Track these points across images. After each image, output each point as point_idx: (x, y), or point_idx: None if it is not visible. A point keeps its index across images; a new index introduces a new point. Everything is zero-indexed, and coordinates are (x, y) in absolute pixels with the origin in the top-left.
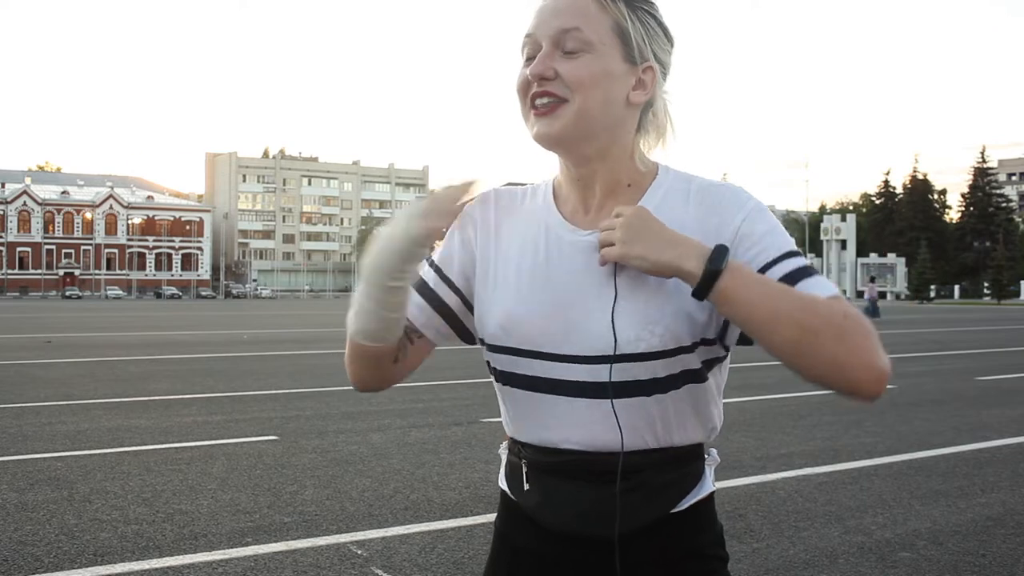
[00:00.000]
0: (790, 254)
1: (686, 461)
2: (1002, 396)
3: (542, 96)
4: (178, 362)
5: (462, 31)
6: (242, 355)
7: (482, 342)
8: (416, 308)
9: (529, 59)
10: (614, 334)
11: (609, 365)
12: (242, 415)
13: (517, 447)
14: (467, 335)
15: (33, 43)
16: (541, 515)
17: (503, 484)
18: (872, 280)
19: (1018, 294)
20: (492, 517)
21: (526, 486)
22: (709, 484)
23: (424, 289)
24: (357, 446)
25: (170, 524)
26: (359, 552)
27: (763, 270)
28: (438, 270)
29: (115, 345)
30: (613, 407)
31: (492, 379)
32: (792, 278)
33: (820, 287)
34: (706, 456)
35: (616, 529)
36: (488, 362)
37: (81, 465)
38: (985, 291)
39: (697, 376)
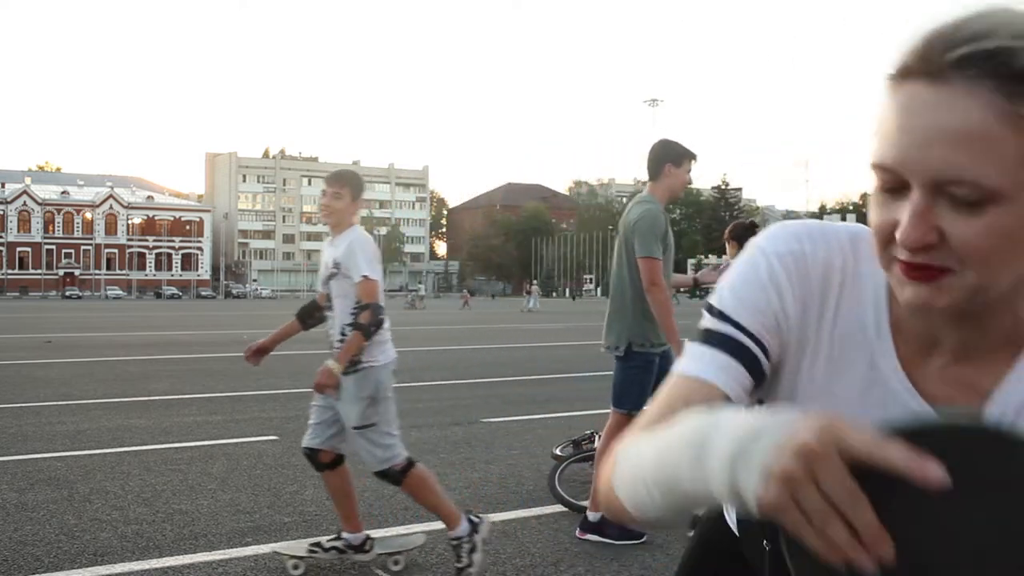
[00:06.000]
0: None
1: None
2: None
3: (916, 268)
4: (178, 362)
5: (462, 31)
6: (242, 355)
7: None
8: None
9: (888, 191)
10: None
11: None
12: (242, 415)
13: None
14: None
15: (33, 43)
16: None
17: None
18: None
19: None
20: (492, 517)
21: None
22: None
23: (727, 344)
24: None
25: (170, 524)
26: None
27: None
28: (748, 333)
29: (115, 345)
30: None
31: None
32: None
33: None
34: None
35: None
36: None
37: (81, 465)
38: None
39: None
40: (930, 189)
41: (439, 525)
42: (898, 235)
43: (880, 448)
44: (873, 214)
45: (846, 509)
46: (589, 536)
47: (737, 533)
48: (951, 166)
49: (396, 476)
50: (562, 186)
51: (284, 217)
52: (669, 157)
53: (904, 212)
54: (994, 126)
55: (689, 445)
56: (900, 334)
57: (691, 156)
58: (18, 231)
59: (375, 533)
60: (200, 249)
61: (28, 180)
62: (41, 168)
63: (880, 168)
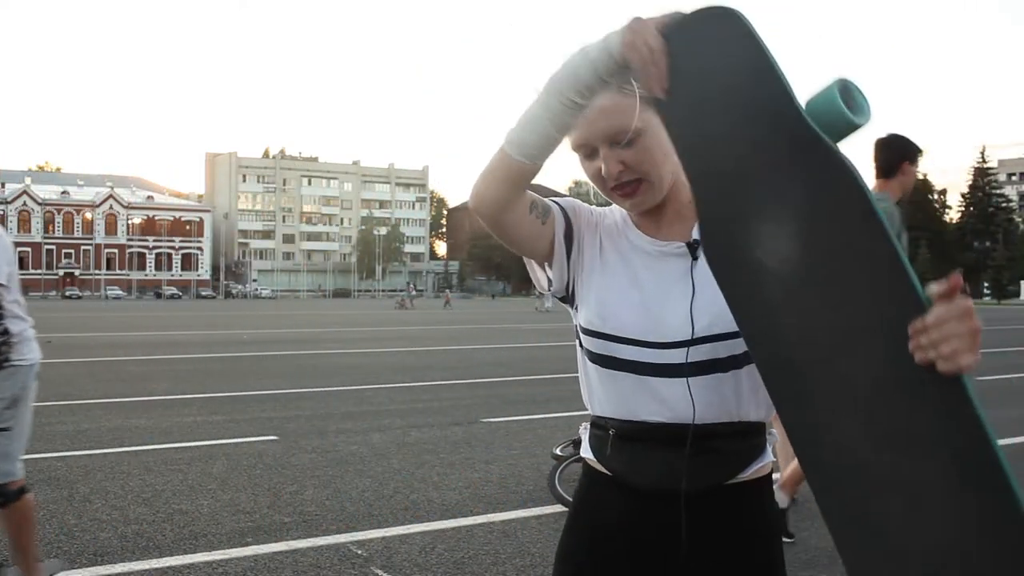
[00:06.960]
0: None
1: (754, 435)
2: (1002, 396)
3: (622, 187)
4: (178, 362)
5: (462, 31)
6: (242, 355)
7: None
8: (549, 206)
9: (587, 157)
10: (692, 323)
11: (686, 349)
12: (242, 415)
13: (603, 421)
14: (540, 258)
15: (33, 43)
16: (624, 474)
17: (587, 454)
18: None
19: (1018, 294)
20: (492, 517)
21: (609, 451)
22: (769, 455)
23: (557, 216)
24: (357, 446)
25: (170, 524)
26: (359, 552)
27: None
28: (568, 220)
29: (115, 345)
30: (688, 385)
31: (582, 362)
32: None
33: None
34: (768, 435)
35: (683, 486)
36: (581, 344)
37: (81, 465)
38: (985, 291)
39: None
40: (606, 143)
41: (437, 525)
42: (604, 174)
43: (668, 20)
44: (586, 173)
45: (657, 56)
46: None
47: (592, 455)
48: (612, 127)
49: (11, 495)
50: (562, 186)
51: (284, 217)
52: (907, 154)
53: (600, 162)
54: (618, 99)
55: (573, 56)
56: (640, 222)
57: (922, 154)
58: (18, 231)
59: (375, 533)
60: (200, 249)
61: (28, 180)
62: (41, 168)
63: (579, 146)
